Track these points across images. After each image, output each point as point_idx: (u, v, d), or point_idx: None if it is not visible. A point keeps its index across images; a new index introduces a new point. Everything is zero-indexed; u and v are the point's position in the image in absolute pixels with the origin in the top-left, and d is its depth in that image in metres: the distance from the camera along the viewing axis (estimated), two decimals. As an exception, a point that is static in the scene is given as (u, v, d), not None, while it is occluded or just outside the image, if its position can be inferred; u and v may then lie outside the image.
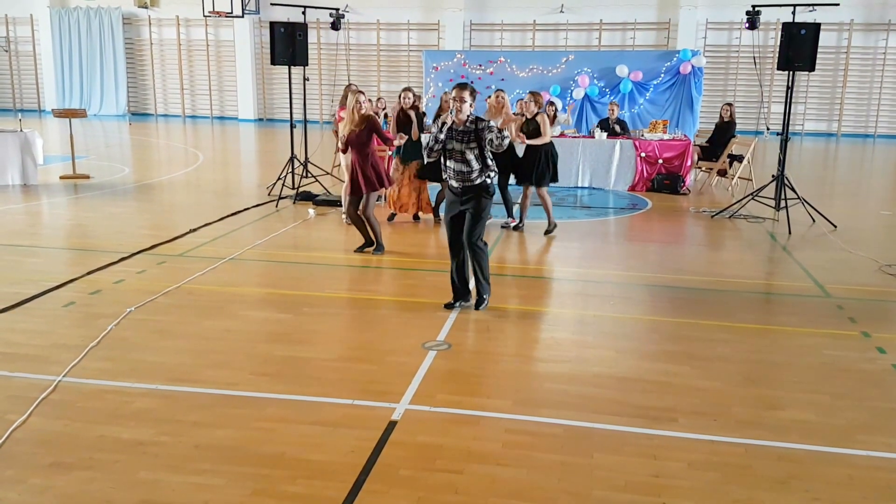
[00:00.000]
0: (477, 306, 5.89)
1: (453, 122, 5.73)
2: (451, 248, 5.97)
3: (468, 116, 5.72)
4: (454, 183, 5.81)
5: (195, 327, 5.42)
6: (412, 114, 8.94)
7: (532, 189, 8.82)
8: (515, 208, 9.06)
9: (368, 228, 7.62)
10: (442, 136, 5.74)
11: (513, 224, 8.96)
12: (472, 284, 6.07)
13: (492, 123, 5.79)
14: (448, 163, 5.81)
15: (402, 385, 4.45)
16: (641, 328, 5.63)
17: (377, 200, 10.20)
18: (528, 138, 8.59)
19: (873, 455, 3.76)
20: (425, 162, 8.74)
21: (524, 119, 8.72)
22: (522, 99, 9.16)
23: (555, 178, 8.81)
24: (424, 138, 11.54)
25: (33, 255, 7.42)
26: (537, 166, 8.57)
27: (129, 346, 5.01)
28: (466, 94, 5.66)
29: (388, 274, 7.15)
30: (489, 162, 5.78)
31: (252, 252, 7.62)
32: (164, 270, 6.87)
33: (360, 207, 7.54)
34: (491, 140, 5.70)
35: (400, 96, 9.09)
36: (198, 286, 6.39)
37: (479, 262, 5.85)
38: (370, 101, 8.03)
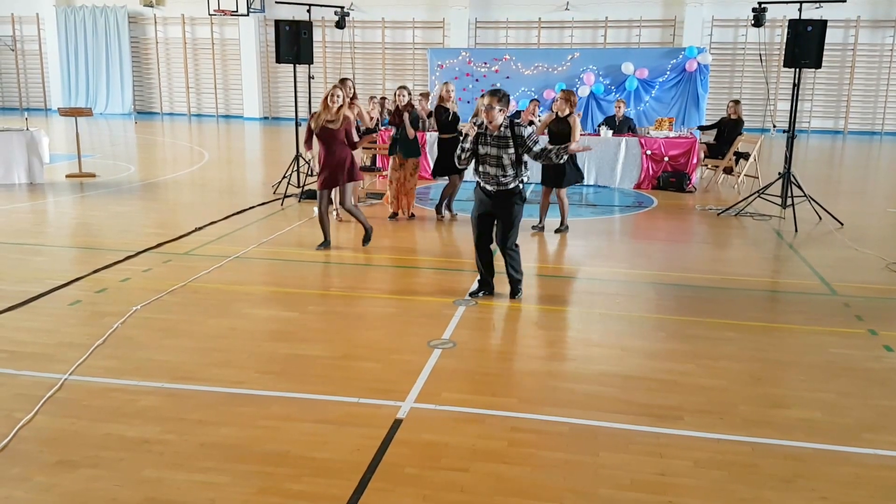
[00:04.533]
0: (513, 295, 6.08)
1: (486, 128, 5.77)
2: (477, 244, 6.12)
3: (502, 121, 5.75)
4: (488, 187, 5.88)
5: (200, 326, 5.43)
6: (406, 112, 9.00)
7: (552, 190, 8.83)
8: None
9: (323, 224, 7.75)
10: (468, 146, 5.82)
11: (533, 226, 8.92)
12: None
13: (528, 130, 5.81)
14: (480, 167, 5.88)
15: (407, 383, 4.45)
16: (647, 326, 5.61)
17: (378, 199, 10.24)
18: (555, 137, 8.53)
19: (880, 454, 3.75)
20: (457, 168, 8.86)
21: (554, 116, 8.70)
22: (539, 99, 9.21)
23: (579, 179, 8.96)
24: (430, 137, 11.56)
25: (39, 254, 7.45)
26: (560, 167, 8.50)
27: (134, 345, 5.02)
28: (495, 102, 5.66)
29: (392, 272, 7.15)
30: (524, 166, 5.86)
31: (257, 250, 7.63)
32: (170, 269, 6.88)
33: (339, 201, 7.64)
34: (529, 148, 5.75)
35: (395, 94, 9.12)
36: (203, 284, 6.40)
37: (513, 265, 6.05)
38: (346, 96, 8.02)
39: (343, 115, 7.59)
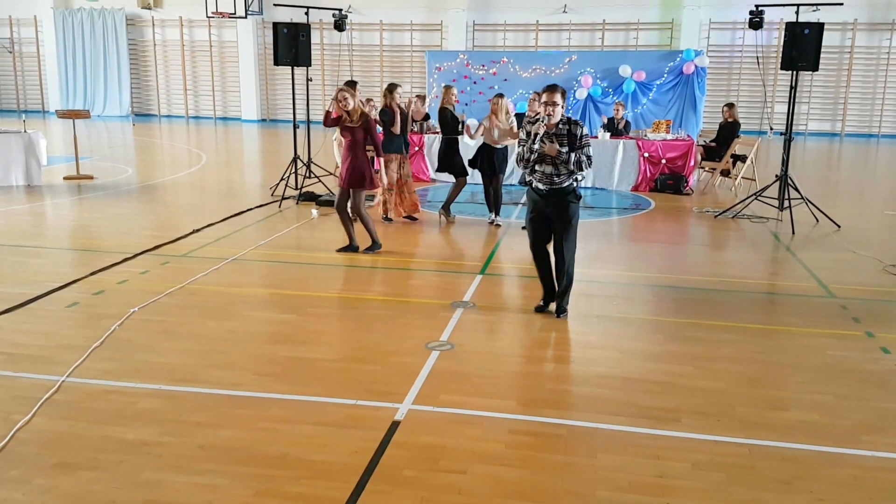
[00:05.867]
0: (559, 313, 5.70)
1: (546, 126, 5.55)
2: (533, 248, 5.81)
3: (560, 118, 5.56)
4: (541, 186, 5.62)
5: (199, 328, 5.43)
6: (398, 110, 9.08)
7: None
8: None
9: (359, 227, 7.62)
10: (536, 146, 5.53)
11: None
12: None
13: (584, 130, 5.59)
14: (537, 167, 5.61)
15: (405, 385, 4.45)
16: (645, 328, 5.62)
17: (370, 201, 10.24)
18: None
19: (878, 455, 3.75)
20: (464, 169, 9.32)
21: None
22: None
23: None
24: (429, 138, 11.56)
25: (37, 256, 7.44)
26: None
27: (132, 347, 5.02)
28: (558, 97, 5.47)
29: (390, 274, 7.15)
30: (582, 165, 5.55)
31: (255, 252, 7.63)
32: (168, 271, 6.88)
33: (351, 206, 7.56)
34: (586, 155, 5.53)
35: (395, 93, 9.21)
36: (201, 287, 6.40)
37: (568, 273, 5.68)
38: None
39: (361, 113, 7.44)
